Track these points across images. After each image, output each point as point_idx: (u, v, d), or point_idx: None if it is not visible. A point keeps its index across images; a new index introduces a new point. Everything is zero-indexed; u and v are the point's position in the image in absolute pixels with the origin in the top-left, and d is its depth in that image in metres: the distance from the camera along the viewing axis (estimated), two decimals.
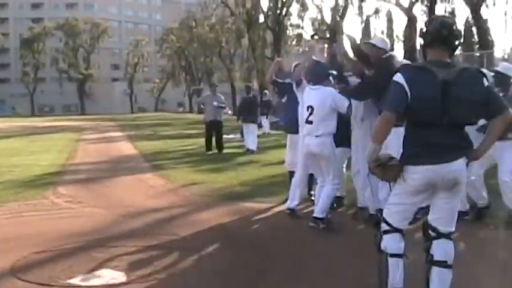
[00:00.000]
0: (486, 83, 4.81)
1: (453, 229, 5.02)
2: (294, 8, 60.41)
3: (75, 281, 6.27)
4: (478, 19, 34.25)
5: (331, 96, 8.46)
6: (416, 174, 4.89)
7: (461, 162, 4.81)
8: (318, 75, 8.69)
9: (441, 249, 4.96)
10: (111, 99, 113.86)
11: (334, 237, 8.30)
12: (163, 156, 20.46)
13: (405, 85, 4.85)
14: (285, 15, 60.35)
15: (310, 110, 8.58)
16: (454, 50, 4.95)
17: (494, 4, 40.92)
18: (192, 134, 31.64)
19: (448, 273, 4.95)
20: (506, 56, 42.00)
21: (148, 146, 24.64)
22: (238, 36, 73.37)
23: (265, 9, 62.08)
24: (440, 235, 4.97)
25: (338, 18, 54.22)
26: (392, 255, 5.12)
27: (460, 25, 48.93)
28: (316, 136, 8.53)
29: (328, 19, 56.30)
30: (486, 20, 36.15)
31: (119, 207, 10.49)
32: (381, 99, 7.59)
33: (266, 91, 29.41)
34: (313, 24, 59.32)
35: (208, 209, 10.43)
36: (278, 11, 59.70)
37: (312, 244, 7.94)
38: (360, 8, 53.13)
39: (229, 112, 24.07)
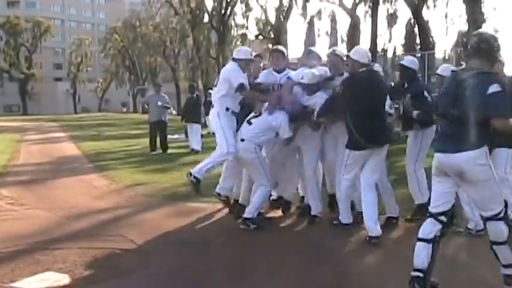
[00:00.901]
0: (493, 89, 5.27)
1: (494, 212, 5.46)
2: (239, 8, 60.49)
3: (18, 284, 6.22)
4: (419, 20, 34.77)
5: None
6: (434, 159, 5.68)
7: (465, 154, 5.35)
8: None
9: (490, 231, 5.54)
10: (54, 99, 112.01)
11: (279, 237, 8.41)
12: (108, 157, 20.29)
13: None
14: (230, 15, 60.33)
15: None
16: (493, 60, 5.63)
17: (434, 6, 41.66)
18: (137, 134, 31.40)
19: (504, 249, 5.50)
20: (447, 57, 42.77)
21: (92, 147, 24.38)
22: (183, 36, 73.18)
23: (209, 9, 61.98)
24: (485, 218, 5.56)
25: (282, 19, 54.44)
26: (419, 239, 5.62)
27: (401, 26, 49.97)
28: (241, 140, 8.73)
29: (272, 19, 56.54)
30: (427, 22, 36.69)
31: (63, 209, 10.39)
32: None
33: (210, 91, 29.24)
34: (257, 24, 59.40)
35: (153, 209, 10.43)
36: (222, 11, 59.65)
37: (257, 244, 7.99)
38: (304, 8, 53.37)
39: (174, 112, 23.89)
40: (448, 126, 5.62)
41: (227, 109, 8.84)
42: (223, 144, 8.74)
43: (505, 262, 5.56)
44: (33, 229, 8.84)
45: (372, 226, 7.86)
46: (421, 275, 5.44)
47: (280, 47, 9.88)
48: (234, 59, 9.07)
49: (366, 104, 7.85)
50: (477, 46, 5.49)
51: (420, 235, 5.63)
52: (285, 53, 9.63)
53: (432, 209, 5.68)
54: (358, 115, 7.90)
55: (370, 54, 8.47)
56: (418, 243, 5.60)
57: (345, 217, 8.49)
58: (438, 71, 8.98)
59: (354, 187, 8.36)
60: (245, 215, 8.76)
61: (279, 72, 9.27)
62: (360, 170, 8.09)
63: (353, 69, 8.15)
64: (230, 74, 8.85)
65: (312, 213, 9.10)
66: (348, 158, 8.10)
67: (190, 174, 8.89)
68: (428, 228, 5.61)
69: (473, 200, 5.73)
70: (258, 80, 9.40)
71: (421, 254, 5.51)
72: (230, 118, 8.87)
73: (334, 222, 8.69)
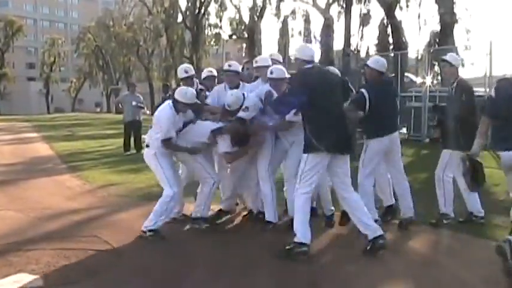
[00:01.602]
0: None
1: None
2: (212, 7, 60.68)
3: None
4: (392, 20, 34.95)
5: None
6: (501, 159, 6.43)
7: None
8: None
9: None
10: (27, 99, 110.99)
11: (252, 237, 8.45)
12: (81, 157, 20.15)
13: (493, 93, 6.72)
14: (204, 14, 60.48)
15: None
16: None
17: (407, 6, 42.10)
18: (111, 134, 31.21)
19: None
20: (419, 57, 43.04)
21: (65, 147, 24.17)
22: (157, 36, 73.07)
23: (183, 8, 62.11)
24: None
25: (256, 18, 54.53)
26: None
27: (375, 26, 50.27)
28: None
29: (246, 19, 56.65)
30: (400, 22, 36.93)
31: (36, 210, 10.34)
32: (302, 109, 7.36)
33: None
34: (231, 24, 59.51)
35: (127, 209, 10.43)
36: (196, 11, 59.75)
37: (231, 244, 8.02)
38: (278, 8, 53.57)
39: (148, 112, 23.83)
40: (505, 128, 6.34)
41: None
42: (166, 184, 8.54)
43: None
44: (5, 230, 8.80)
45: (372, 225, 7.26)
46: None
47: (233, 68, 9.27)
48: (174, 100, 8.46)
49: (315, 103, 7.15)
50: None
51: None
52: (239, 72, 9.36)
53: None
54: (310, 115, 7.28)
55: (313, 52, 7.82)
56: None
57: (303, 236, 7.19)
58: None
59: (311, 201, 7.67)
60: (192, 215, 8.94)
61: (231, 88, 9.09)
62: (319, 178, 7.41)
63: (299, 68, 7.56)
64: (162, 121, 8.41)
65: (266, 219, 8.71)
66: (305, 164, 7.23)
67: (145, 232, 8.32)
68: None
69: None
70: (209, 97, 9.36)
71: None
72: (168, 156, 8.63)
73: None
